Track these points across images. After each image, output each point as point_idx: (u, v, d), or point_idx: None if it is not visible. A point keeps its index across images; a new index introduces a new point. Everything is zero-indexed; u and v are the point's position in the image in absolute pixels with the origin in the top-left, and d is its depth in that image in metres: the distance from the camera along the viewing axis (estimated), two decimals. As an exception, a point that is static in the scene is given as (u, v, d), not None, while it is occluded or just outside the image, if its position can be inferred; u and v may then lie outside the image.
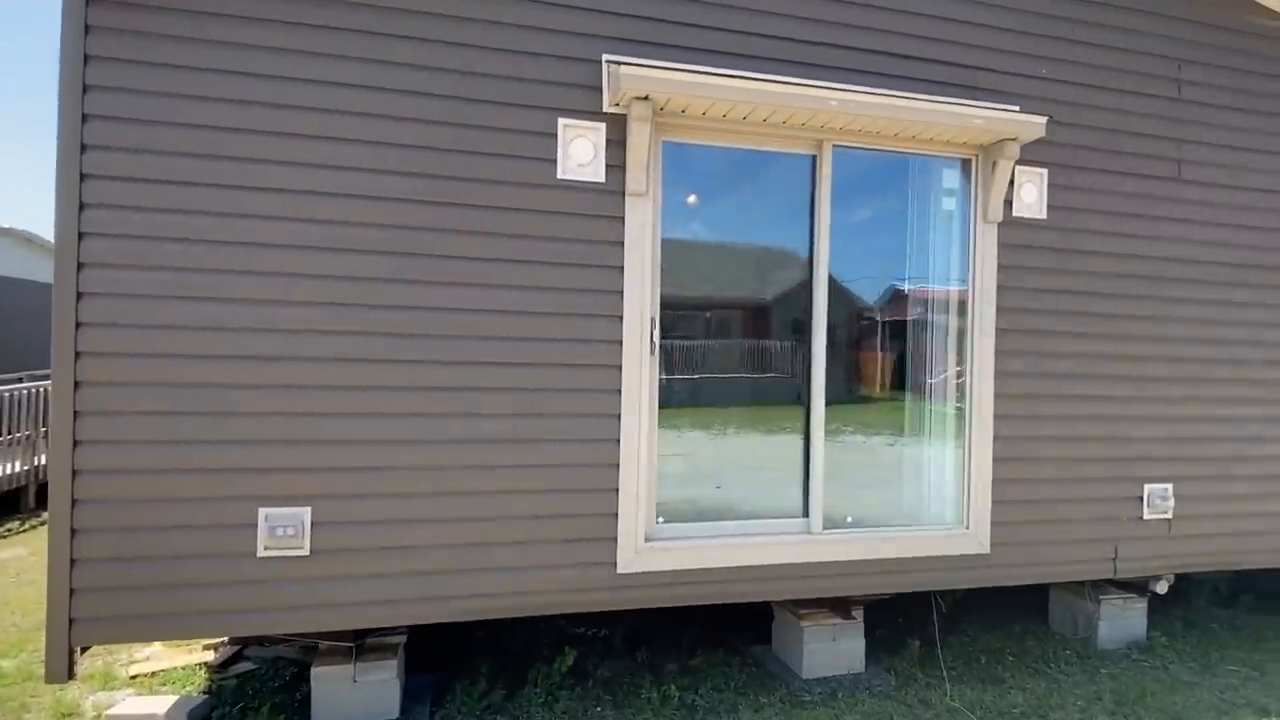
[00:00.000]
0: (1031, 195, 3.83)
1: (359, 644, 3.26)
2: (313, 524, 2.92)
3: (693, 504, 3.56)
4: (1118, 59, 3.97)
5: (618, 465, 3.27)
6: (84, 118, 2.69)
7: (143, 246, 2.76)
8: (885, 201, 3.82)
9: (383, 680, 3.27)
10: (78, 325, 2.69)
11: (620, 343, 3.26)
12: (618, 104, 3.20)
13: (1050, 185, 3.85)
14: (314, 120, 2.92)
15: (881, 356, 3.97)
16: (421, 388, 3.05)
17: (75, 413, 2.69)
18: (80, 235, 2.70)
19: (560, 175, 3.18)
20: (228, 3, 2.83)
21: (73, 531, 2.69)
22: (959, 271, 3.83)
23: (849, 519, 3.68)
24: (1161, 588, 4.36)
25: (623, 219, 3.25)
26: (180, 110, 2.79)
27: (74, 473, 2.68)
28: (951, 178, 3.82)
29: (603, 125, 3.23)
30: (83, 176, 2.69)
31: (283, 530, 2.89)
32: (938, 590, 3.91)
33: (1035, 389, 3.86)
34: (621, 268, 3.25)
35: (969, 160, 3.78)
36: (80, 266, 2.69)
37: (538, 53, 3.16)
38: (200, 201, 2.81)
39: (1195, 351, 4.14)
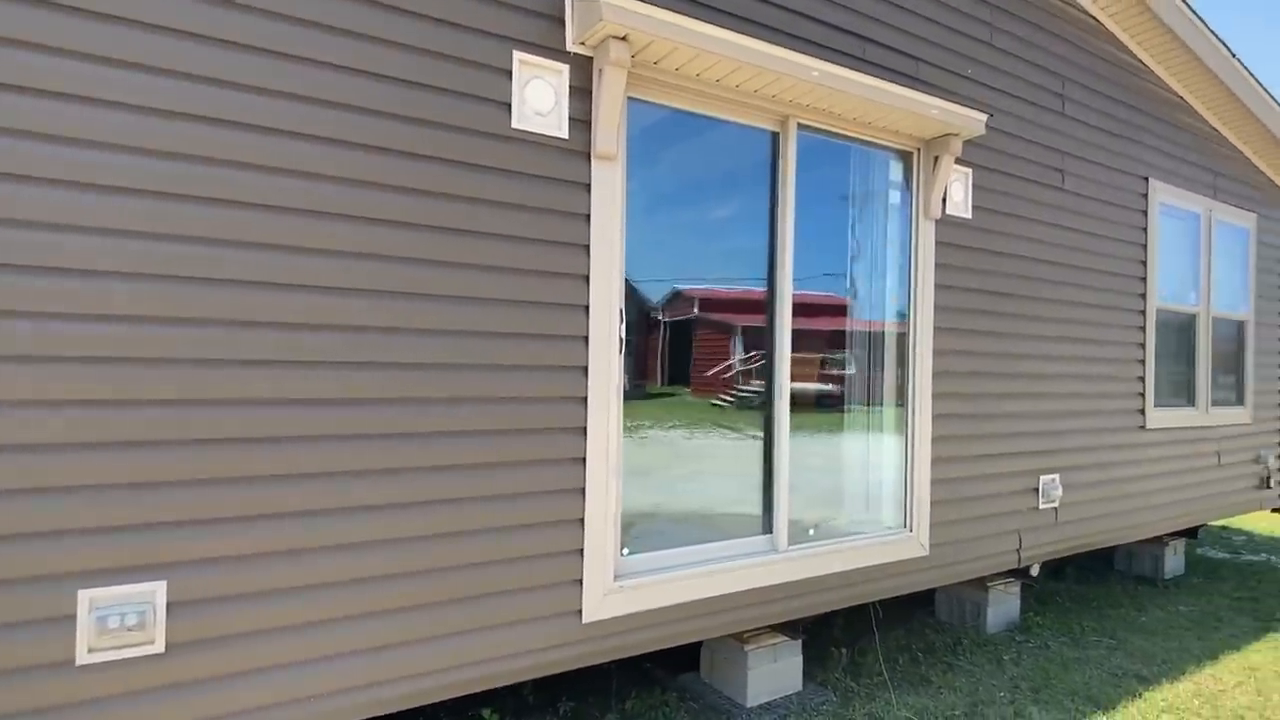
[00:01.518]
0: (959, 194, 3.83)
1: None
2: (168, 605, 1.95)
3: (652, 530, 3.03)
4: (1018, 66, 4.14)
5: (584, 490, 2.64)
6: None
7: None
8: (828, 191, 3.59)
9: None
10: None
11: (586, 339, 2.64)
12: (584, 42, 2.59)
13: (974, 186, 3.89)
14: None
15: (824, 362, 3.75)
16: (338, 400, 2.19)
17: None
18: None
19: (515, 124, 2.48)
20: None
21: None
22: (898, 267, 3.72)
23: (810, 531, 3.39)
24: (1034, 571, 4.68)
25: (588, 187, 2.63)
26: None
27: None
28: (896, 170, 3.70)
29: (566, 68, 2.58)
30: None
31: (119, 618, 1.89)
32: (883, 598, 3.78)
33: (963, 388, 3.88)
34: (587, 246, 2.64)
35: (911, 154, 3.68)
36: None
37: (487, -37, 2.44)
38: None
39: (1072, 350, 4.46)
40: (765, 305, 3.29)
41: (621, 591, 2.74)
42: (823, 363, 3.59)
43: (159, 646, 1.95)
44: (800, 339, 3.35)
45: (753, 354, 3.33)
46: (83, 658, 1.86)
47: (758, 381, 3.33)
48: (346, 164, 2.21)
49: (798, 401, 3.34)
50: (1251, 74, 5.31)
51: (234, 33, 2.05)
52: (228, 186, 2.04)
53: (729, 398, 3.37)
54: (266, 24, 2.09)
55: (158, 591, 1.95)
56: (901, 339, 3.72)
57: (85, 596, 1.87)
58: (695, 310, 3.25)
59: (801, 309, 3.34)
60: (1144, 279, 4.94)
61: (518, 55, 2.49)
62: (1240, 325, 5.98)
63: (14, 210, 1.80)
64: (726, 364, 3.36)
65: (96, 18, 1.88)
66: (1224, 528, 7.90)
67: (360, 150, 2.23)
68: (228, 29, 2.04)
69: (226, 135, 2.04)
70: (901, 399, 3.73)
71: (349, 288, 2.21)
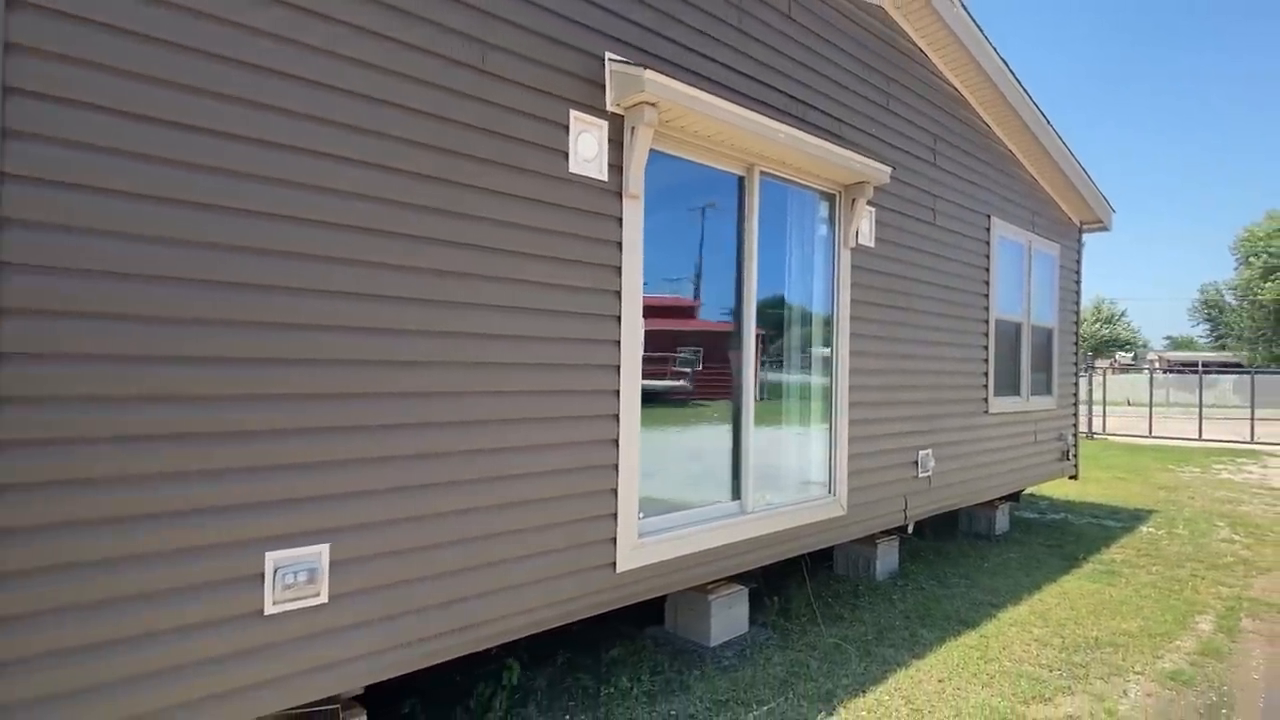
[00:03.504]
0: (867, 228, 4.82)
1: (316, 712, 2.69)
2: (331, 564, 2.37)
3: (654, 498, 3.70)
4: (905, 126, 5.22)
5: (617, 466, 3.27)
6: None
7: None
8: (776, 222, 4.42)
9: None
10: None
11: (619, 343, 3.27)
12: (620, 104, 3.21)
13: (876, 222, 4.90)
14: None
15: (767, 357, 4.58)
16: (448, 392, 2.68)
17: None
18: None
19: (570, 169, 3.07)
20: None
21: None
22: (825, 286, 4.63)
23: (766, 499, 4.20)
24: (910, 528, 5.82)
25: (620, 220, 3.27)
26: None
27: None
28: (824, 208, 4.60)
29: (605, 124, 3.20)
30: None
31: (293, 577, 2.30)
32: (813, 550, 4.66)
33: (869, 381, 4.87)
34: (620, 268, 3.27)
35: (835, 196, 4.61)
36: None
37: (551, 37, 3.00)
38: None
39: (941, 350, 5.64)
40: (735, 313, 4.06)
41: (643, 547, 3.40)
42: (773, 362, 4.43)
43: (324, 598, 2.37)
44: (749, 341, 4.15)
45: (728, 357, 4.09)
46: (269, 609, 2.25)
47: (727, 381, 4.10)
48: (448, 199, 2.70)
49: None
50: (1060, 136, 6.84)
51: (398, 97, 2.49)
52: (408, 223, 2.48)
53: (703, 391, 4.11)
54: (427, 93, 2.54)
55: (323, 553, 2.37)
56: (828, 343, 4.64)
57: (271, 558, 2.26)
58: (682, 317, 3.96)
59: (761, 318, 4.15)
60: (987, 295, 6.26)
61: (573, 113, 3.07)
62: (1049, 332, 7.59)
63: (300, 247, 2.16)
64: (702, 364, 4.09)
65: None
66: (1033, 496, 9.75)
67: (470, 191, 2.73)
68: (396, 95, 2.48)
69: (408, 183, 2.48)
70: (827, 392, 4.65)
71: (472, 303, 2.71)
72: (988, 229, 6.23)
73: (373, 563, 2.48)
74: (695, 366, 4.05)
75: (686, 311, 4.05)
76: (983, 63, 5.59)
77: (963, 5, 5.26)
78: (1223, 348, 58.98)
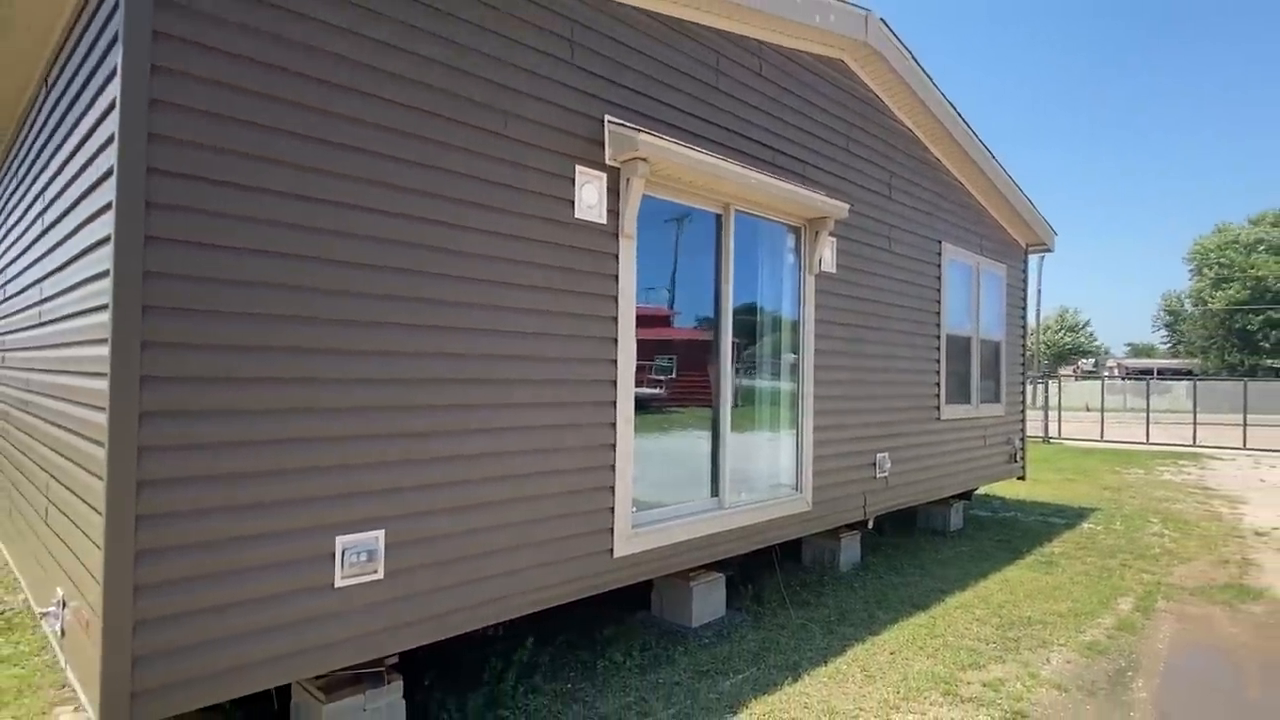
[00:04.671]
0: (829, 256, 5.44)
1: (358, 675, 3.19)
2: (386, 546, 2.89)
3: (645, 494, 4.26)
4: (863, 165, 5.86)
5: (614, 466, 3.83)
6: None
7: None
8: (750, 251, 5.02)
9: (391, 704, 3.26)
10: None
11: (616, 361, 3.83)
12: (616, 159, 3.78)
13: (838, 250, 5.52)
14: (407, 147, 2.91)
15: (745, 365, 5.17)
16: (488, 404, 3.22)
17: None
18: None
19: (576, 215, 3.63)
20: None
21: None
22: (793, 308, 5.24)
23: (741, 495, 4.78)
24: (870, 523, 6.44)
25: (617, 256, 3.83)
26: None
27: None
28: (791, 240, 5.21)
29: (604, 175, 3.76)
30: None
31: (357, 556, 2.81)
32: (781, 541, 5.24)
33: (832, 391, 5.48)
34: (616, 297, 3.83)
35: (799, 229, 5.22)
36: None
37: (558, 104, 3.56)
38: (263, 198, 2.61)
39: (895, 363, 6.28)
40: (712, 333, 4.64)
41: (636, 536, 3.95)
42: (746, 371, 5.02)
43: (380, 574, 2.88)
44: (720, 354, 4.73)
45: (707, 368, 4.66)
46: (338, 582, 2.77)
47: (706, 389, 4.67)
48: (491, 246, 3.24)
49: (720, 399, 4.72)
50: (1004, 168, 7.55)
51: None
52: (455, 267, 3.02)
53: (684, 396, 4.68)
54: (461, 158, 3.09)
55: (380, 537, 2.88)
56: (795, 358, 5.25)
57: (340, 541, 2.77)
58: (671, 338, 4.53)
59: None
60: (939, 313, 6.92)
61: (578, 167, 3.63)
62: (998, 345, 8.30)
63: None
64: (684, 375, 4.66)
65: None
66: (986, 495, 10.48)
67: (498, 237, 3.27)
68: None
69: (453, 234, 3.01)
70: (794, 401, 5.25)
71: (499, 330, 3.25)
72: (939, 253, 6.90)
73: (419, 546, 3.00)
74: (670, 375, 4.62)
75: (665, 321, 4.61)
76: (931, 106, 6.26)
77: (912, 57, 5.92)
78: (1177, 355, 61.24)
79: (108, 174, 2.38)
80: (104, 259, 2.36)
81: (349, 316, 2.81)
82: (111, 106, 2.38)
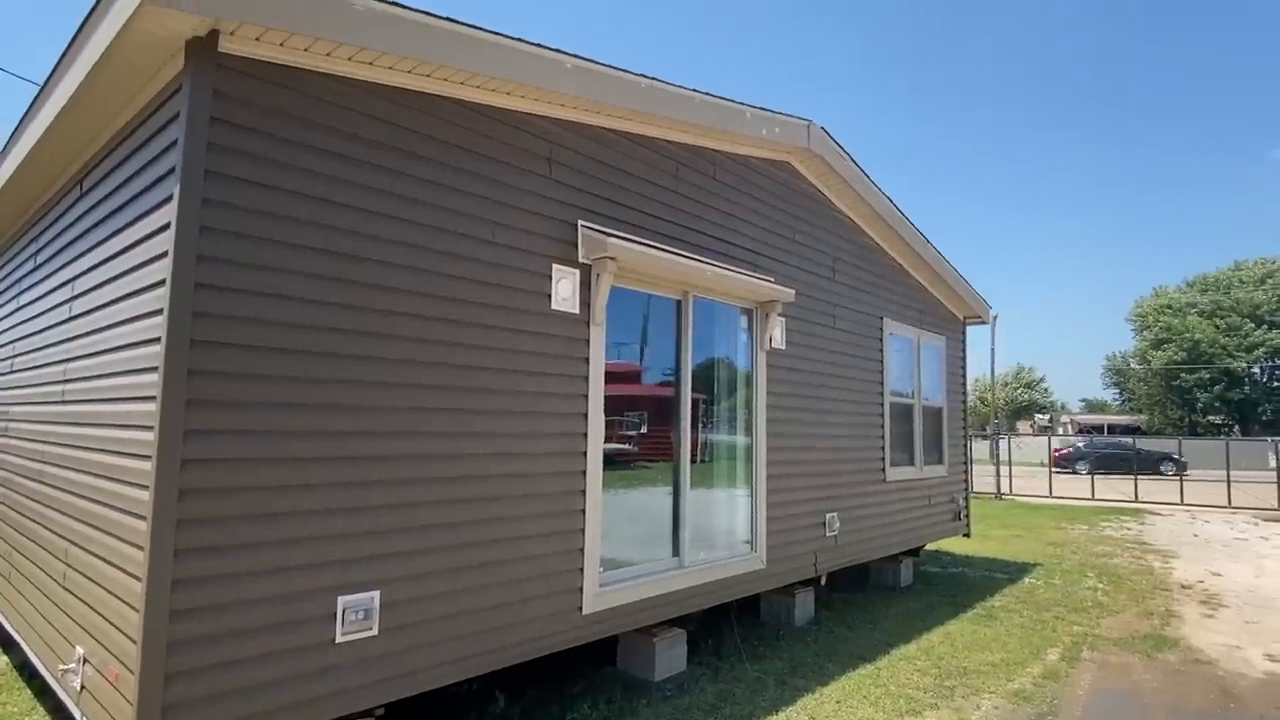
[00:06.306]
0: (779, 334, 6.03)
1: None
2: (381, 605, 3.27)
3: (610, 553, 4.67)
4: (808, 252, 6.53)
5: (583, 530, 4.25)
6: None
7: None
8: (706, 331, 5.58)
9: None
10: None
11: (586, 434, 4.29)
12: (588, 257, 4.33)
13: (787, 329, 6.12)
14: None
15: (703, 434, 5.67)
16: (475, 476, 3.65)
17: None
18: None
19: (553, 306, 4.14)
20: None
21: (169, 644, 2.64)
22: (747, 378, 5.79)
23: (700, 554, 5.21)
24: (822, 580, 6.88)
25: (588, 341, 4.34)
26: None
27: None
28: (743, 320, 5.80)
29: (577, 272, 4.30)
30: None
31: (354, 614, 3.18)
32: (737, 598, 5.64)
33: (782, 457, 5.99)
34: (587, 377, 4.32)
35: (752, 310, 5.81)
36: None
37: (538, 213, 4.12)
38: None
39: (841, 430, 6.83)
40: (673, 404, 5.14)
41: (603, 594, 4.35)
42: (705, 439, 5.51)
43: (375, 631, 3.24)
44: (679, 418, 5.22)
45: (667, 433, 5.14)
46: (339, 638, 3.13)
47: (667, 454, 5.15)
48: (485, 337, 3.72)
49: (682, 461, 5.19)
50: (938, 250, 8.34)
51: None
52: (454, 357, 3.48)
53: (650, 460, 5.14)
54: (465, 265, 3.58)
55: (375, 597, 3.26)
56: (749, 426, 5.76)
57: (341, 601, 3.14)
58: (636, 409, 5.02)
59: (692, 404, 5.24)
60: (882, 382, 7.54)
61: (554, 265, 4.17)
62: (939, 410, 8.96)
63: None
64: (650, 440, 5.13)
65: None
66: (937, 551, 11.00)
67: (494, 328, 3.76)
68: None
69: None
70: (749, 467, 5.74)
71: (484, 410, 3.70)
72: (880, 328, 7.57)
73: (411, 604, 3.37)
74: (640, 429, 5.09)
75: (633, 378, 5.10)
76: (867, 198, 7.01)
77: (849, 157, 6.68)
78: (1128, 411, 63.62)
79: (159, 284, 2.82)
80: (154, 357, 2.78)
81: (357, 403, 3.25)
82: (165, 227, 2.84)
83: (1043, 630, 6.73)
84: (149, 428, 2.74)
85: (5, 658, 5.36)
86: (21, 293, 4.98)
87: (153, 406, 2.72)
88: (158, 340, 2.75)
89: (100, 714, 2.91)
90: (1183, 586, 8.96)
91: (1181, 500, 19.08)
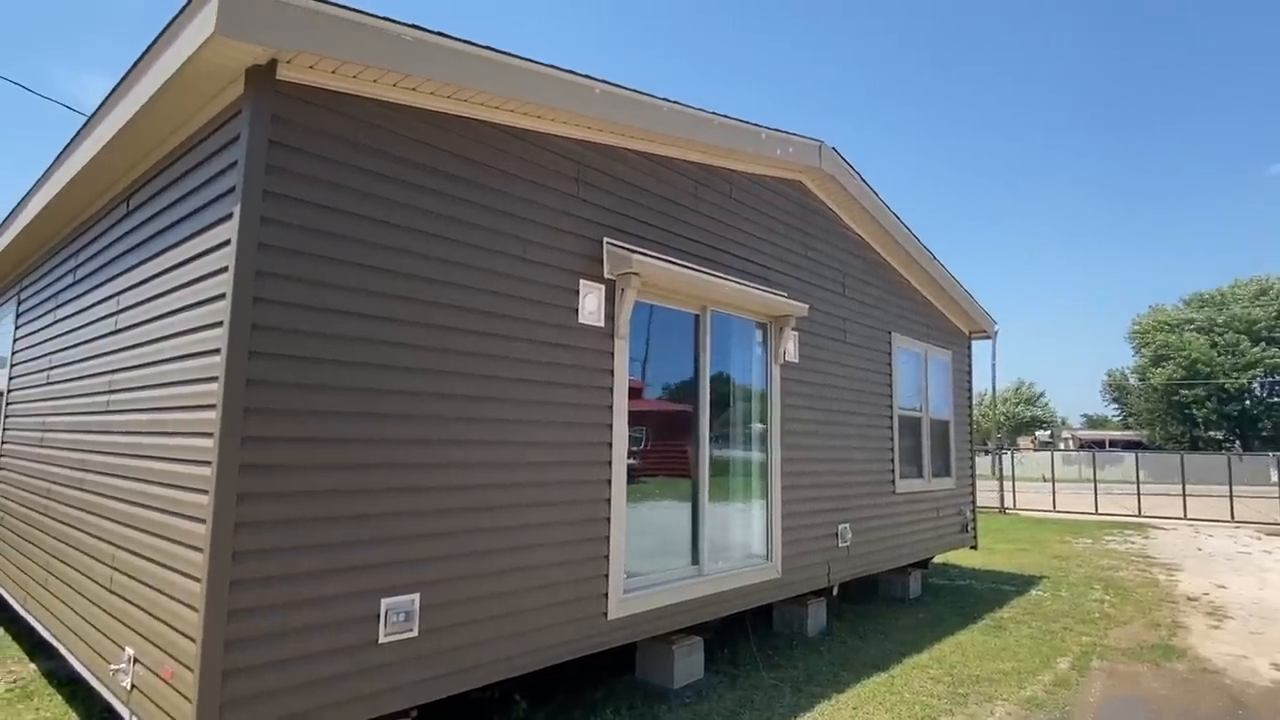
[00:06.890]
0: (792, 348, 6.17)
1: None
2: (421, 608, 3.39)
3: (633, 561, 4.78)
4: (820, 268, 6.69)
5: (608, 538, 4.37)
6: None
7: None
8: (724, 344, 5.73)
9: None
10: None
11: (611, 444, 4.43)
12: (613, 273, 4.49)
13: (800, 343, 6.27)
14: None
15: (721, 443, 5.79)
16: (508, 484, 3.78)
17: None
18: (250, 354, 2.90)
19: (579, 320, 4.29)
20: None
21: (227, 642, 2.76)
22: (761, 390, 5.93)
23: (718, 563, 5.33)
24: (835, 590, 6.98)
25: (613, 354, 4.49)
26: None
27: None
28: (758, 334, 5.95)
29: (603, 287, 4.46)
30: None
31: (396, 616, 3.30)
32: (752, 606, 5.75)
33: (797, 469, 6.12)
34: (612, 389, 4.46)
35: (766, 324, 5.97)
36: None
37: (567, 231, 4.28)
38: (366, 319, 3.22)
39: (853, 441, 6.96)
40: (692, 415, 5.28)
41: (627, 600, 4.46)
42: (720, 449, 5.63)
43: (415, 632, 3.36)
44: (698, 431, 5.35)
45: (685, 447, 5.27)
46: (381, 639, 3.24)
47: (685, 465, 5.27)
48: (508, 347, 3.86)
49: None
50: (945, 266, 8.51)
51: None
52: (488, 368, 3.62)
53: (669, 473, 5.26)
54: (499, 281, 3.74)
55: (416, 600, 3.38)
56: (764, 438, 5.90)
57: (384, 603, 3.26)
58: (653, 422, 5.15)
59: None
60: (891, 395, 7.68)
61: (582, 281, 4.32)
62: (947, 423, 9.09)
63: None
64: (668, 454, 5.26)
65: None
66: (944, 564, 11.08)
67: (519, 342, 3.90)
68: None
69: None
70: (765, 478, 5.86)
71: (518, 420, 3.83)
72: (889, 342, 7.72)
73: (448, 608, 3.49)
74: (659, 440, 5.22)
75: (653, 391, 5.24)
76: (877, 216, 7.18)
77: (860, 177, 6.86)
78: (1127, 426, 63.71)
79: (219, 297, 2.97)
80: (214, 367, 2.92)
81: (403, 411, 3.39)
82: (225, 243, 2.99)
83: (1052, 640, 6.82)
84: (208, 435, 2.87)
85: (34, 665, 5.45)
86: (59, 306, 5.13)
87: (212, 415, 2.86)
88: (217, 351, 2.89)
89: (155, 713, 3.01)
90: (1188, 599, 9.05)
91: (1185, 515, 19.15)
